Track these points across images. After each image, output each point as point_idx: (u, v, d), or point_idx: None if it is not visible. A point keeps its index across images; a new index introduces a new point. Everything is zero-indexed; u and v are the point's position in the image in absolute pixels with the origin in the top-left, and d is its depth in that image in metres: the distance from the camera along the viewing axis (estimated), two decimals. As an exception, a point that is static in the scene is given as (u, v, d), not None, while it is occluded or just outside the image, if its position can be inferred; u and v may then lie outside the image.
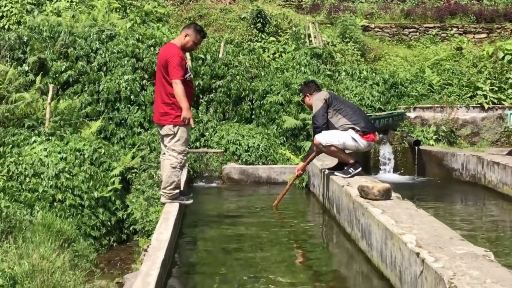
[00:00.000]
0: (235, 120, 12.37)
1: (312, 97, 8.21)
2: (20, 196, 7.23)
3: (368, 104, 12.76)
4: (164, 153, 7.50)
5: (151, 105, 11.43)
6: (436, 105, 13.13)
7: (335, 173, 8.09)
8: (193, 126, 7.92)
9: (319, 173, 8.81)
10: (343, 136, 7.84)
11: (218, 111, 12.31)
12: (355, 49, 17.00)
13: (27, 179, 7.46)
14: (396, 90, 13.55)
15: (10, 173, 7.49)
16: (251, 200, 9.42)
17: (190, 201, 7.83)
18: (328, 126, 7.98)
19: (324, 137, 7.87)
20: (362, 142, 7.88)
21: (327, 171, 8.39)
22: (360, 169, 8.00)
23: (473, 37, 18.76)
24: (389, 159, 11.73)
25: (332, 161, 8.65)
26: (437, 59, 16.17)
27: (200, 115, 11.91)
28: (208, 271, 5.82)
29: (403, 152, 11.91)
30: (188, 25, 7.61)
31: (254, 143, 11.28)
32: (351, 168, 7.92)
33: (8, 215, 6.22)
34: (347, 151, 8.16)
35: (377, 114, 12.25)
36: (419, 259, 4.34)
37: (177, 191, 7.52)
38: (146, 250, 5.72)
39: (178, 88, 7.17)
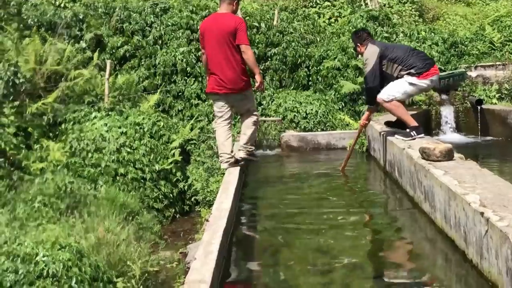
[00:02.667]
0: (292, 88, 12.30)
1: (363, 47, 8.12)
2: (83, 171, 7.38)
3: (427, 65, 12.53)
4: (224, 121, 7.73)
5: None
6: (498, 63, 12.79)
7: (396, 136, 8.00)
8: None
9: (379, 137, 8.73)
10: (401, 85, 7.80)
11: (274, 79, 12.26)
12: (412, 10, 16.66)
13: (90, 155, 7.59)
14: (456, 50, 13.24)
15: (73, 149, 7.64)
16: (311, 166, 9.41)
17: (257, 158, 8.95)
18: (386, 78, 7.94)
19: (384, 93, 7.85)
20: (423, 83, 7.79)
21: (386, 132, 8.36)
22: (423, 134, 7.85)
23: (534, -9, 18.19)
24: (451, 119, 11.52)
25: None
26: (498, 15, 15.71)
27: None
28: (271, 238, 5.86)
29: (465, 112, 11.66)
30: None
31: (312, 109, 11.21)
32: (414, 131, 7.80)
33: (73, 191, 6.35)
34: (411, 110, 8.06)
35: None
36: (484, 219, 4.28)
37: (254, 148, 8.12)
38: (207, 220, 5.78)
39: (250, 52, 7.52)
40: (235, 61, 7.50)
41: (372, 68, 7.87)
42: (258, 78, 7.64)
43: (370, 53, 7.95)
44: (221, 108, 7.75)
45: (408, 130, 7.88)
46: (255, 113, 7.92)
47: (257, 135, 8.22)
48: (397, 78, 7.88)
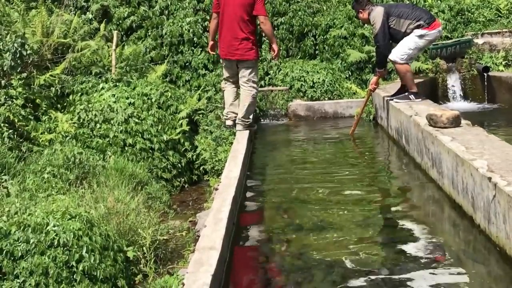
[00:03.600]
0: (298, 57, 12.27)
1: (365, 12, 8.31)
2: (91, 142, 7.39)
3: (434, 32, 12.46)
4: (230, 84, 8.60)
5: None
6: (504, 30, 12.67)
7: (395, 99, 8.36)
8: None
9: (386, 105, 8.73)
10: (411, 41, 8.02)
11: (281, 48, 12.20)
12: (418, -24, 16.51)
13: (98, 125, 7.60)
14: (463, 17, 13.13)
15: (81, 120, 7.65)
16: (318, 134, 9.44)
17: (255, 127, 9.12)
18: (395, 35, 8.14)
19: (396, 53, 8.10)
20: (431, 33, 8.02)
21: (389, 99, 8.55)
22: (420, 99, 8.18)
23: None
24: (457, 87, 11.49)
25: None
26: (505, -18, 15.59)
27: (263, 53, 11.84)
28: (279, 205, 5.93)
29: (472, 79, 11.60)
30: None
31: (319, 78, 11.19)
32: (412, 95, 8.20)
33: (82, 161, 6.37)
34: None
35: (443, 42, 11.95)
36: (491, 184, 4.29)
37: (251, 120, 8.46)
38: (216, 189, 5.82)
39: (268, 23, 8.20)
40: (248, 31, 8.07)
41: (381, 26, 8.08)
42: (275, 47, 8.33)
43: (376, 13, 8.16)
44: (229, 72, 8.53)
45: (407, 94, 8.25)
46: (254, 86, 8.37)
47: (255, 108, 8.63)
48: (405, 33, 8.07)
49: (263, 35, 12.18)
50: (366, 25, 9.10)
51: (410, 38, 8.02)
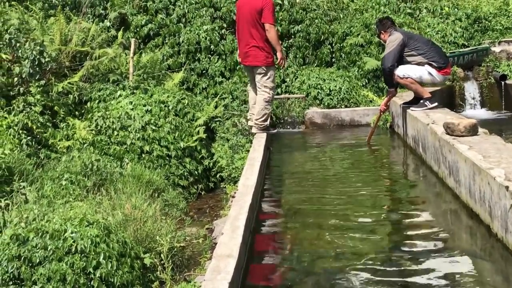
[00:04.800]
0: (315, 64, 12.27)
1: (387, 34, 8.45)
2: (109, 149, 7.44)
3: (451, 40, 12.41)
4: (250, 85, 9.07)
5: (231, 54, 11.57)
6: (522, 38, 12.67)
7: (411, 108, 8.38)
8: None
9: (402, 113, 8.72)
10: (419, 70, 8.18)
11: (298, 56, 12.23)
12: (435, -15, 16.48)
13: (115, 133, 7.65)
14: (480, 25, 13.10)
15: (99, 128, 7.70)
16: (335, 143, 9.44)
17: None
18: (405, 63, 8.31)
19: (401, 70, 8.22)
20: (438, 76, 8.21)
21: (405, 108, 8.61)
22: (436, 104, 8.26)
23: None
24: (475, 95, 11.46)
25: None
26: (522, -10, 15.52)
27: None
28: (295, 213, 5.93)
29: (489, 87, 11.56)
30: None
31: (335, 86, 11.19)
32: (427, 102, 8.25)
33: (99, 168, 6.41)
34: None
35: (461, 50, 11.92)
36: (509, 193, 4.28)
37: (267, 123, 8.69)
38: (233, 196, 5.83)
39: (273, 31, 8.39)
40: (259, 37, 8.35)
41: (390, 52, 8.23)
42: (279, 55, 8.56)
43: (393, 38, 8.28)
44: (249, 76, 9.07)
45: (422, 101, 8.30)
46: (267, 90, 8.61)
47: (269, 112, 8.72)
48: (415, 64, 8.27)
49: (280, 42, 12.23)
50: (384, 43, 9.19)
51: (420, 67, 8.21)
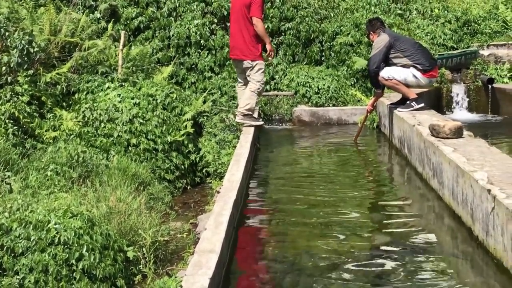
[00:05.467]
0: (304, 63, 12.30)
1: (375, 35, 8.53)
2: (95, 141, 7.42)
3: (440, 42, 12.47)
4: (240, 83, 9.02)
5: (221, 49, 11.59)
6: (510, 42, 12.68)
7: (398, 108, 8.45)
8: (274, 57, 10.05)
9: (389, 114, 8.77)
10: (404, 72, 8.25)
11: (287, 53, 12.25)
12: (426, -14, 16.52)
13: (102, 125, 7.63)
14: (469, 28, 13.17)
15: (86, 119, 7.67)
16: (322, 140, 9.48)
17: (261, 122, 9.33)
18: (391, 65, 8.37)
19: (386, 72, 8.30)
20: (423, 79, 8.29)
21: (392, 108, 8.67)
22: (422, 104, 8.35)
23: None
24: (462, 97, 11.53)
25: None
26: (512, -6, 15.58)
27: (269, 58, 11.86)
28: (280, 210, 5.96)
29: (476, 90, 11.64)
30: None
31: (324, 84, 11.23)
32: (413, 102, 8.33)
33: (85, 160, 6.40)
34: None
35: (449, 52, 11.99)
36: (491, 196, 4.32)
37: (250, 112, 8.69)
38: (218, 192, 5.85)
39: (260, 24, 8.50)
40: (247, 32, 8.48)
41: (376, 53, 8.32)
42: (268, 46, 8.71)
43: (380, 40, 8.37)
44: (237, 71, 9.13)
45: (408, 102, 8.38)
46: (255, 82, 8.64)
47: (254, 103, 8.69)
48: (401, 67, 8.33)
49: (270, 39, 12.23)
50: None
51: (405, 69, 8.27)
